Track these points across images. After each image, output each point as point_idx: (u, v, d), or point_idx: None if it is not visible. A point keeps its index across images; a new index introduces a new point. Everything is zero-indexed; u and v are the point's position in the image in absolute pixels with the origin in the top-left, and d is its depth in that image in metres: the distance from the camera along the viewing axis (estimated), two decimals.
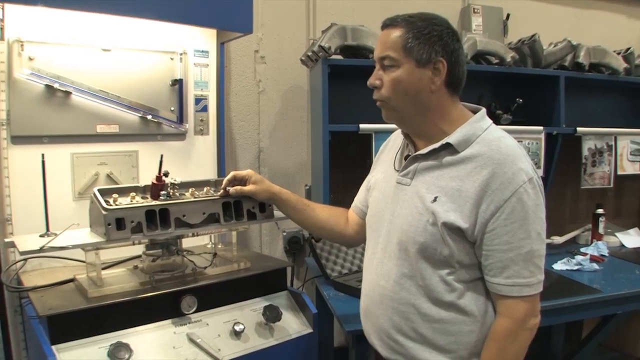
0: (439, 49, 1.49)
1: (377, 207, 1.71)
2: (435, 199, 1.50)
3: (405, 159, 1.64)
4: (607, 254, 3.15)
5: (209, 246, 2.38)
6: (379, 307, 1.63)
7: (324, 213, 1.98)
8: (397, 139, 1.77)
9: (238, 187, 1.93)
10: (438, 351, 1.54)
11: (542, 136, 3.15)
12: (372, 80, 1.58)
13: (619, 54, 3.45)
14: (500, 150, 1.47)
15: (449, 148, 1.52)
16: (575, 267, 2.85)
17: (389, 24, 1.55)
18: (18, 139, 2.11)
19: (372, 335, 1.68)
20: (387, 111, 1.59)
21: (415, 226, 1.52)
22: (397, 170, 1.65)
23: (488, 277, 1.49)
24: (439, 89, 1.52)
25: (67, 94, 2.17)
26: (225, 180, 1.95)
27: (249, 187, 1.93)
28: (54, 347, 1.61)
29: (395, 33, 1.51)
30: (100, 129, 2.28)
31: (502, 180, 1.43)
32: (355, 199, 1.97)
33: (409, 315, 1.56)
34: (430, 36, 1.49)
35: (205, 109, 2.58)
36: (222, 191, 1.94)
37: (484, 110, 1.62)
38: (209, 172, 2.59)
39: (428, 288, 1.52)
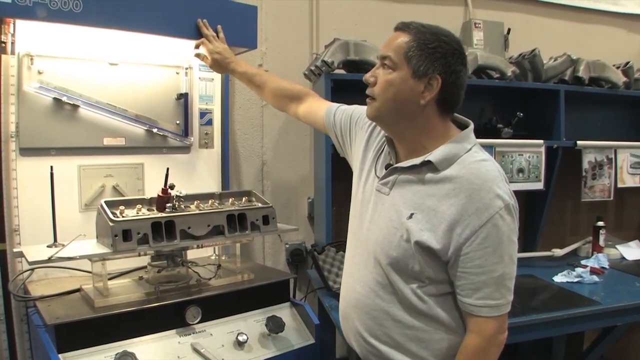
0: (439, 66, 1.48)
1: (359, 209, 1.72)
2: (411, 216, 1.51)
3: (386, 167, 1.64)
4: (607, 267, 3.15)
5: (212, 258, 2.41)
6: (355, 310, 1.66)
7: (273, 93, 2.18)
8: (382, 133, 1.75)
9: (203, 52, 2.27)
10: (410, 356, 1.56)
11: (543, 150, 3.17)
12: (367, 76, 1.59)
13: (618, 68, 3.47)
14: (479, 174, 1.47)
15: (429, 165, 1.52)
16: (576, 280, 2.86)
17: (401, 27, 1.55)
18: (26, 151, 2.14)
19: (350, 337, 1.71)
20: (372, 109, 1.58)
21: (390, 240, 1.54)
22: (378, 177, 1.66)
23: (460, 297, 1.50)
24: (428, 105, 1.51)
25: (75, 107, 2.21)
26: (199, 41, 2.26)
27: (207, 60, 2.28)
28: (60, 356, 1.64)
29: (403, 38, 1.52)
30: (107, 141, 2.31)
31: (478, 206, 1.44)
32: (338, 110, 1.95)
33: (382, 321, 1.59)
34: (434, 51, 1.48)
35: (209, 122, 2.62)
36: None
37: (471, 127, 1.60)
38: (213, 184, 2.62)
39: (401, 297, 1.55)
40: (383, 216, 1.59)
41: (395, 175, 1.59)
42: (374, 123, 1.75)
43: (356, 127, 1.85)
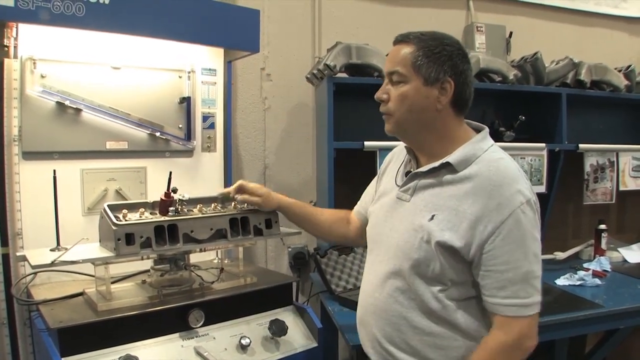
0: (448, 69, 1.51)
1: (377, 219, 1.74)
2: (432, 217, 1.52)
3: (407, 174, 1.66)
4: (609, 269, 3.15)
5: (215, 261, 2.40)
6: (373, 317, 1.65)
7: (328, 221, 2.03)
8: (401, 153, 1.80)
9: (246, 196, 1.97)
10: None
11: (545, 153, 3.17)
12: (379, 94, 1.60)
13: (620, 71, 3.48)
14: (498, 171, 1.49)
15: (448, 167, 1.54)
16: (578, 283, 2.86)
17: (400, 40, 1.57)
18: (29, 155, 2.14)
19: (367, 344, 1.70)
20: (390, 124, 1.60)
21: (411, 243, 1.54)
22: (398, 186, 1.68)
23: (486, 297, 1.50)
24: (445, 108, 1.54)
25: (78, 110, 2.21)
26: (232, 188, 2.00)
27: (255, 199, 1.97)
28: None
29: (406, 50, 1.54)
30: (110, 145, 2.31)
31: (499, 202, 1.44)
32: (358, 203, 2.01)
33: (400, 327, 1.58)
34: (440, 55, 1.51)
35: (212, 126, 2.62)
36: (232, 196, 2.00)
37: (486, 130, 1.63)
38: (215, 188, 2.60)
39: (420, 302, 1.54)
40: (404, 221, 1.60)
41: (416, 181, 1.61)
42: (385, 164, 1.85)
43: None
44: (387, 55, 1.65)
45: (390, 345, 1.60)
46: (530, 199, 1.47)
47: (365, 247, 1.82)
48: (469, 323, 1.54)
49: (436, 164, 1.56)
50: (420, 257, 1.52)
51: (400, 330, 1.58)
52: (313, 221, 2.02)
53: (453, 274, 1.51)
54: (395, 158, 1.84)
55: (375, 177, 1.94)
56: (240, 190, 1.98)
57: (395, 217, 1.64)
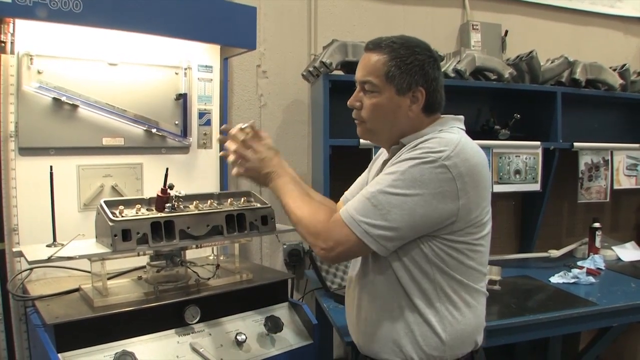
0: (419, 78, 1.54)
1: None
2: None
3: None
4: (603, 268, 3.17)
5: (211, 258, 2.41)
6: (351, 303, 1.71)
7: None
8: None
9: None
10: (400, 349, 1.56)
11: (540, 151, 3.19)
12: (352, 102, 1.63)
13: (615, 70, 3.49)
14: (427, 140, 1.50)
15: (404, 147, 1.56)
16: (572, 281, 2.88)
17: (371, 47, 1.59)
18: (25, 151, 2.15)
19: (350, 330, 1.74)
20: (362, 130, 1.65)
21: None
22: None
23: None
24: (416, 114, 1.58)
25: (74, 106, 2.22)
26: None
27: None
28: (60, 356, 1.64)
29: (378, 58, 1.56)
30: (106, 141, 2.32)
31: (410, 155, 1.46)
32: (348, 190, 2.01)
33: (360, 302, 1.64)
34: (412, 66, 1.54)
35: (208, 122, 2.63)
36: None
37: (457, 117, 1.65)
38: (212, 184, 2.62)
39: (386, 289, 1.57)
40: None
41: (386, 168, 1.62)
42: (376, 156, 1.89)
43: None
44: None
45: (360, 321, 1.66)
46: (443, 162, 1.43)
47: None
48: (442, 310, 1.53)
49: (395, 146, 1.60)
50: None
51: (361, 305, 1.64)
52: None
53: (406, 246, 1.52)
54: (382, 153, 1.85)
55: (367, 170, 1.97)
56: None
57: None
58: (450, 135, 1.53)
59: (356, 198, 1.50)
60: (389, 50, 1.55)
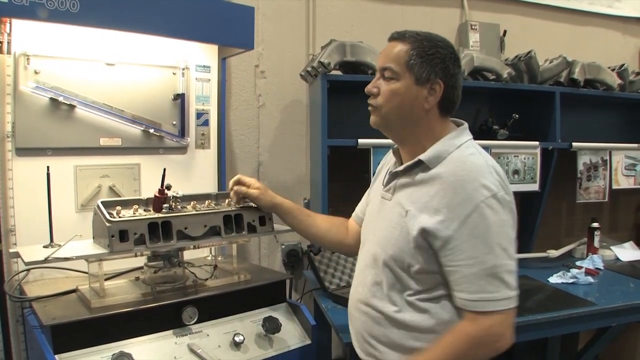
0: (439, 71, 1.54)
1: (367, 219, 1.80)
2: (407, 213, 1.54)
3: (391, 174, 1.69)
4: (602, 267, 3.16)
5: (209, 258, 2.41)
6: (356, 312, 1.70)
7: (325, 223, 2.01)
8: (392, 157, 1.83)
9: (243, 188, 1.96)
10: (408, 354, 1.56)
11: (538, 151, 3.18)
12: (369, 87, 1.62)
13: (613, 70, 3.49)
14: (464, 167, 1.50)
15: (421, 165, 1.56)
16: (571, 281, 2.87)
17: (396, 37, 1.60)
18: (22, 151, 2.14)
19: (354, 338, 1.74)
20: (376, 117, 1.63)
21: (388, 239, 1.58)
22: (384, 186, 1.71)
23: (455, 293, 1.50)
24: (432, 109, 1.57)
25: (71, 107, 2.21)
26: (231, 181, 2.00)
27: (253, 191, 1.96)
28: (57, 357, 1.64)
29: (401, 47, 1.57)
30: (103, 141, 2.31)
31: (463, 197, 1.45)
32: (357, 208, 2.01)
33: (379, 321, 1.61)
34: (433, 57, 1.54)
35: (206, 123, 2.62)
36: (231, 192, 1.99)
37: (464, 125, 1.65)
38: (209, 185, 2.62)
39: (397, 297, 1.57)
40: (384, 219, 1.63)
41: (396, 181, 1.65)
42: (378, 169, 1.88)
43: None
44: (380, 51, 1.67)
45: (372, 338, 1.63)
46: (496, 193, 1.46)
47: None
48: (446, 313, 1.54)
49: (410, 162, 1.59)
50: (395, 253, 1.55)
51: (380, 324, 1.60)
52: (309, 223, 1.99)
53: (426, 275, 1.52)
54: (387, 163, 1.86)
55: (371, 184, 1.96)
56: (239, 183, 1.99)
57: (380, 216, 1.68)
58: (475, 158, 1.54)
59: (468, 288, 1.47)
60: (412, 41, 1.56)
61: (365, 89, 1.63)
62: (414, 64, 1.54)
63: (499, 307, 1.45)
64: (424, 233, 1.48)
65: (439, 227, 1.46)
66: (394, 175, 1.65)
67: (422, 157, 1.55)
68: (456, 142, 1.58)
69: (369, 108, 1.64)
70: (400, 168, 1.62)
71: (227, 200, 2.05)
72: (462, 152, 1.56)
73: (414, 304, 1.55)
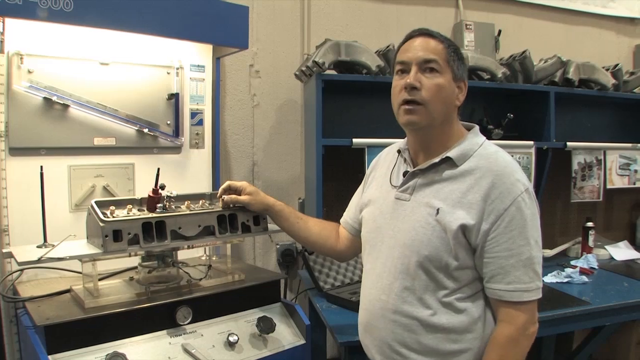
0: (465, 71, 1.63)
1: (374, 223, 1.74)
2: (438, 211, 1.55)
3: (404, 175, 1.68)
4: (596, 267, 3.17)
5: (203, 258, 2.41)
6: (381, 321, 1.64)
7: (316, 227, 2.01)
8: (388, 155, 1.84)
9: (233, 196, 1.96)
10: (443, 358, 1.56)
11: (533, 151, 3.19)
12: (411, 81, 1.55)
13: (607, 70, 3.49)
14: (497, 162, 1.55)
15: (448, 162, 1.59)
16: (565, 280, 2.88)
17: (427, 33, 1.61)
18: (16, 151, 2.13)
19: (373, 350, 1.69)
20: (420, 115, 1.57)
21: (419, 240, 1.56)
22: (395, 187, 1.69)
23: (489, 284, 1.53)
24: (459, 105, 1.64)
25: (65, 106, 2.20)
26: (220, 189, 1.99)
27: (243, 197, 1.96)
28: (50, 357, 1.63)
29: (437, 43, 1.59)
30: (97, 141, 2.30)
31: (501, 190, 1.50)
32: (345, 214, 2.00)
33: (412, 327, 1.58)
34: (462, 57, 1.62)
35: (200, 122, 2.62)
36: (220, 201, 1.98)
37: (477, 127, 1.71)
38: (204, 185, 2.61)
39: (431, 300, 1.56)
40: (407, 220, 1.62)
41: (415, 180, 1.64)
42: (370, 171, 1.91)
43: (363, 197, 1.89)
44: (401, 45, 1.65)
45: (402, 347, 1.60)
46: (528, 188, 1.53)
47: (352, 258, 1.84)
48: (479, 313, 1.57)
49: (436, 159, 1.60)
50: (431, 253, 1.54)
51: (413, 330, 1.58)
52: (300, 226, 1.98)
53: (466, 264, 1.54)
54: (381, 163, 1.87)
55: (360, 187, 1.97)
56: (229, 190, 1.98)
57: (397, 217, 1.65)
58: (503, 154, 1.62)
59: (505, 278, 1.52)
60: (444, 39, 1.61)
61: (407, 82, 1.55)
62: (453, 61, 1.58)
63: (533, 297, 1.52)
64: (463, 228, 1.51)
65: (477, 221, 1.50)
66: (412, 175, 1.65)
67: (450, 154, 1.58)
68: (478, 141, 1.64)
69: (408, 106, 1.57)
70: (423, 166, 1.62)
71: (220, 201, 2.05)
72: (487, 149, 1.61)
73: (450, 304, 1.55)
